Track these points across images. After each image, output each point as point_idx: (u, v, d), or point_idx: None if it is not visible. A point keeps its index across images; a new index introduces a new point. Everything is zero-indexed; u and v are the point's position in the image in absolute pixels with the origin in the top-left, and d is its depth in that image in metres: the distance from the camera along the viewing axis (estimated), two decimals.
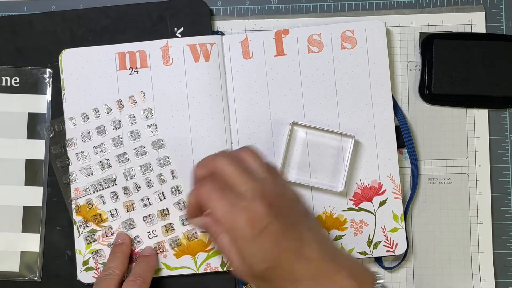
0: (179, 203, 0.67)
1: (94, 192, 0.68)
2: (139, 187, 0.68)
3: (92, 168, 0.68)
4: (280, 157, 0.67)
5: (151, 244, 0.67)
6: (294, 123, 0.67)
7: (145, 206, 0.68)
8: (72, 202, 0.67)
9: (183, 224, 0.67)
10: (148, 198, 0.68)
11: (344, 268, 0.54)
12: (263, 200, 0.53)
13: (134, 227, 0.68)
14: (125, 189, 0.68)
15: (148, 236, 0.67)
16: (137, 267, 0.65)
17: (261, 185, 0.54)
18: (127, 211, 0.68)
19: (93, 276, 0.67)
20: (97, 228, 0.67)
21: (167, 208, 0.68)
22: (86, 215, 0.67)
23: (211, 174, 0.56)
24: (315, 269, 0.53)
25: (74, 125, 0.68)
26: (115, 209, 0.68)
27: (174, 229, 0.67)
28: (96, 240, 0.67)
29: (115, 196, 0.68)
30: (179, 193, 0.67)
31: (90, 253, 0.67)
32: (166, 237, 0.67)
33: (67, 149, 0.68)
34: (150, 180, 0.68)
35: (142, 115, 0.68)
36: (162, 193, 0.68)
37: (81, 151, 0.68)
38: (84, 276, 0.67)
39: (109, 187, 0.68)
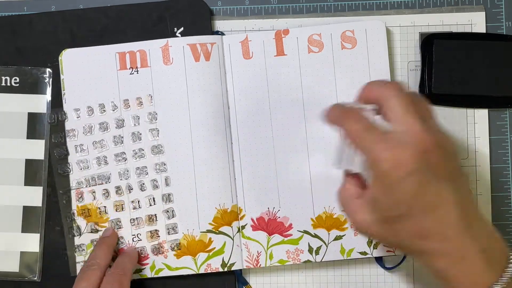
0: (168, 211, 0.67)
1: (86, 186, 0.67)
2: (132, 189, 0.67)
3: (89, 162, 0.68)
4: (281, 159, 0.67)
5: (133, 248, 0.67)
6: None
7: (134, 209, 0.67)
8: (63, 195, 0.67)
9: (168, 233, 0.67)
10: (138, 201, 0.67)
11: (477, 240, 0.51)
12: (416, 145, 0.50)
13: (121, 228, 0.67)
14: (118, 188, 0.68)
15: (132, 239, 0.67)
16: (119, 259, 0.65)
17: (424, 128, 0.51)
18: (116, 211, 0.67)
19: None
20: (103, 225, 0.67)
21: (155, 214, 0.67)
22: (93, 220, 0.67)
23: (375, 101, 0.54)
24: (445, 230, 0.51)
25: (78, 117, 0.68)
26: (105, 206, 0.67)
27: (159, 236, 0.67)
28: (80, 234, 0.67)
29: (106, 193, 0.68)
30: (169, 201, 0.67)
31: (88, 248, 0.67)
32: (150, 243, 0.67)
33: (67, 139, 0.68)
34: (144, 184, 0.68)
35: (146, 118, 0.68)
36: (153, 198, 0.67)
37: (81, 144, 0.68)
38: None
39: (102, 184, 0.68)
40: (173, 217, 0.67)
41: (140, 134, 0.68)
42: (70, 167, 0.68)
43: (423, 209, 0.51)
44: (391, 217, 0.52)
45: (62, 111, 0.68)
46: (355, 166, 0.57)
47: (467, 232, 0.51)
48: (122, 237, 0.67)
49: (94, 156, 0.68)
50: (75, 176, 0.68)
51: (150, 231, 0.67)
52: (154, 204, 0.67)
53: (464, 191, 0.53)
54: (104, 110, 0.68)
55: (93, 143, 0.68)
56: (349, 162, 0.58)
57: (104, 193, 0.68)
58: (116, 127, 0.68)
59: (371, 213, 0.53)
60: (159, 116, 0.68)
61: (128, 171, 0.68)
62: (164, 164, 0.67)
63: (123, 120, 0.68)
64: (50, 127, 0.68)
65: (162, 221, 0.67)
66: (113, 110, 0.68)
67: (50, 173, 0.68)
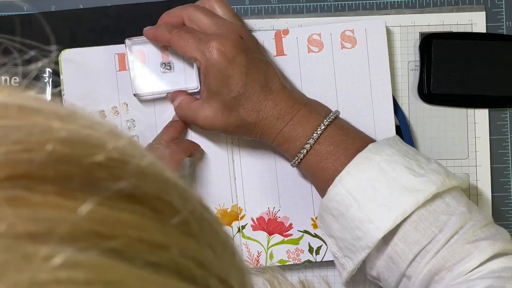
0: None
1: None
2: None
3: None
4: (281, 159, 0.67)
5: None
6: (129, 42, 0.69)
7: None
8: None
9: None
10: None
11: (301, 100, 0.63)
12: (233, 34, 0.61)
13: None
14: None
15: None
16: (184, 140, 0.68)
17: (231, 23, 0.62)
18: None
19: None
20: None
21: None
22: None
23: (181, 23, 0.64)
24: (276, 97, 0.61)
25: None
26: None
27: None
28: None
29: None
30: None
31: None
32: None
33: None
34: None
35: (124, 125, 0.67)
36: None
37: None
38: None
39: None
40: None
41: None
42: None
43: (256, 85, 0.60)
44: (231, 101, 0.61)
45: None
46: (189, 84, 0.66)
47: (291, 95, 0.62)
48: None
49: None
50: None
51: None
52: None
53: (275, 70, 0.63)
54: None
55: None
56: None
57: None
58: None
59: (212, 106, 0.62)
60: (137, 123, 0.67)
61: None
62: None
63: None
64: None
65: None
66: None
67: None
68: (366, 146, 0.60)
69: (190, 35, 0.61)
